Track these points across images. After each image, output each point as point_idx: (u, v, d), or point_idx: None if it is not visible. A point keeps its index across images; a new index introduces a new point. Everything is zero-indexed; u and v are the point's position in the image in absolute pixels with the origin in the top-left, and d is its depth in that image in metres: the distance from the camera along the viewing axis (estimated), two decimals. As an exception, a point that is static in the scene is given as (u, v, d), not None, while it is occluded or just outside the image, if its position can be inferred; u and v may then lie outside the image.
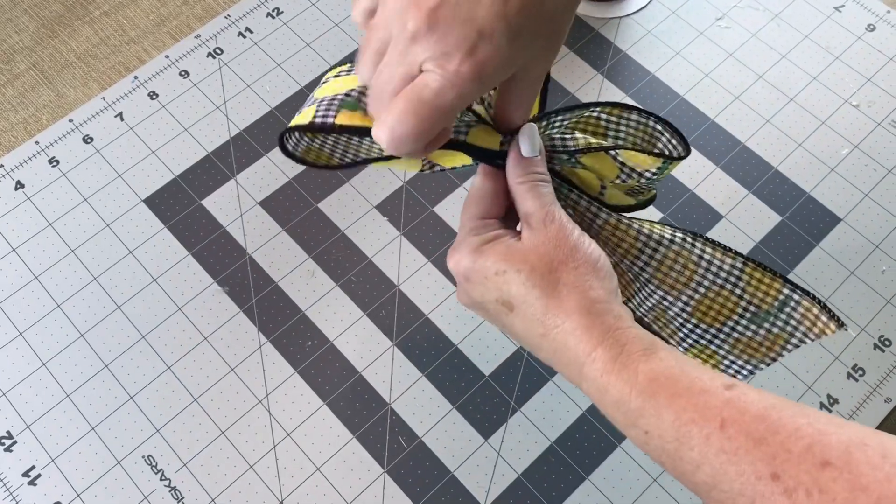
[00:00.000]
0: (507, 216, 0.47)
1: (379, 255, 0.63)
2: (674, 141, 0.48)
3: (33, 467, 0.56)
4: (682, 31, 0.72)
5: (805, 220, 0.65)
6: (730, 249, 0.49)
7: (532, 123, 0.45)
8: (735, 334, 0.49)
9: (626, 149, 0.47)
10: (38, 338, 0.60)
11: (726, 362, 0.49)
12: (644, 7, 0.73)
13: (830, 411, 0.58)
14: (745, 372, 0.50)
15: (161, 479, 0.56)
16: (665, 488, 0.56)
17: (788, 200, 0.65)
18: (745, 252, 0.63)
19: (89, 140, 0.68)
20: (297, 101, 0.69)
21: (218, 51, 0.71)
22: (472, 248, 0.44)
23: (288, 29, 0.72)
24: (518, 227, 0.47)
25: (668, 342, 0.49)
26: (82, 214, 0.65)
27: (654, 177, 0.49)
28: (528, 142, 0.44)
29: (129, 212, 0.65)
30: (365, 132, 0.42)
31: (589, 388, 0.42)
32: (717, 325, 0.48)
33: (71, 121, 0.68)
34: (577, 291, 0.42)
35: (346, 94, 0.43)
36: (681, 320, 0.49)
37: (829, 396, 0.59)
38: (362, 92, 0.43)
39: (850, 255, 0.63)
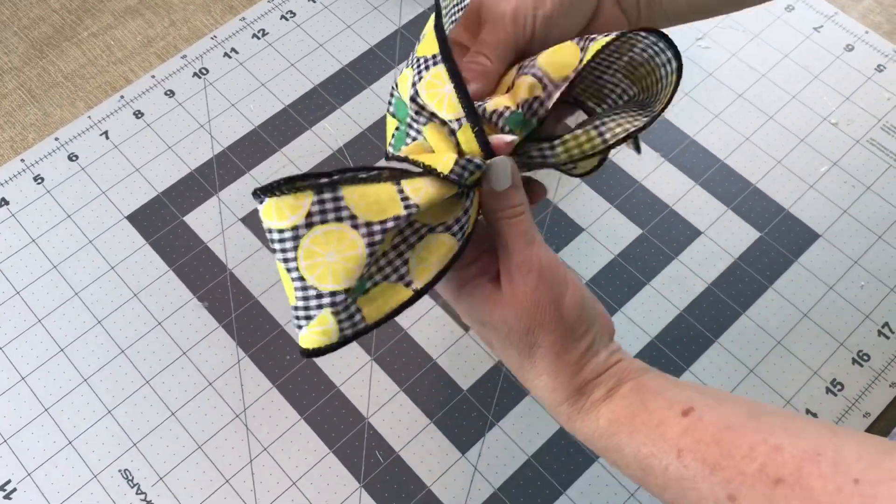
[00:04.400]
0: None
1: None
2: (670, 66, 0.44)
3: (9, 481, 0.56)
4: (662, 51, 0.73)
5: (784, 237, 0.65)
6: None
7: (503, 157, 0.42)
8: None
9: (616, 140, 0.43)
10: (18, 352, 0.60)
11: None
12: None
13: (809, 426, 0.58)
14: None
15: (137, 493, 0.56)
16: (642, 503, 0.55)
17: (767, 217, 0.66)
18: (725, 267, 0.63)
19: (74, 158, 0.68)
20: (280, 119, 0.70)
21: (203, 71, 0.72)
22: (455, 287, 0.44)
23: (273, 49, 0.73)
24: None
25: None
26: (65, 231, 0.65)
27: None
28: (499, 176, 0.42)
29: (112, 228, 0.65)
30: (404, 308, 0.40)
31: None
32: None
33: (57, 139, 0.69)
34: (550, 355, 0.43)
35: (346, 292, 0.38)
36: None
37: (808, 411, 0.58)
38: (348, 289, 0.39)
39: (829, 270, 0.64)
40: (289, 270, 0.38)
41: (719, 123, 0.70)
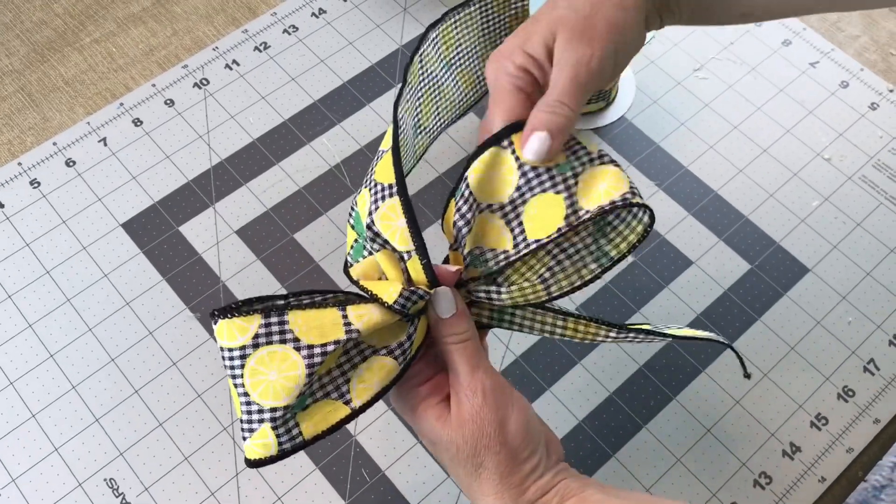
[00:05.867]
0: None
1: (351, 287, 0.63)
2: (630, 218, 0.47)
3: (-7, 487, 0.56)
4: (659, 81, 0.74)
5: (774, 269, 0.65)
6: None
7: (445, 287, 0.45)
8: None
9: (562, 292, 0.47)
10: (7, 357, 0.60)
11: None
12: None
13: (792, 459, 0.58)
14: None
15: (122, 503, 0.56)
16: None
17: (758, 249, 0.66)
18: (714, 298, 0.64)
19: (72, 163, 0.68)
20: (279, 133, 0.70)
21: (204, 81, 0.73)
22: (410, 406, 0.46)
23: (274, 63, 0.74)
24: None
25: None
26: (60, 236, 0.65)
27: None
28: (443, 305, 0.45)
29: (107, 235, 0.65)
30: (342, 424, 0.43)
31: None
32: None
33: (55, 144, 0.69)
34: (496, 476, 0.44)
35: (285, 409, 0.41)
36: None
37: (791, 445, 0.59)
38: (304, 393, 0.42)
39: (818, 305, 0.64)
40: (236, 386, 0.41)
41: (714, 154, 0.71)
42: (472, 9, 0.54)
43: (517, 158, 0.45)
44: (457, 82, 0.56)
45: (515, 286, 0.46)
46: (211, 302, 0.63)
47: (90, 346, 0.61)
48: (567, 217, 0.45)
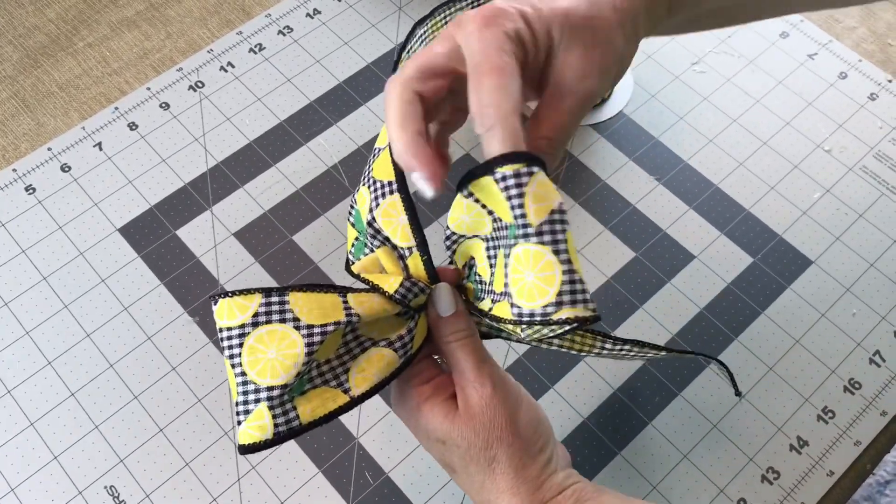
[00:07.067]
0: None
1: (354, 284, 0.63)
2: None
3: (-7, 496, 0.55)
4: (657, 75, 0.74)
5: (777, 262, 0.65)
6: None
7: (446, 284, 0.44)
8: None
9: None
10: (5, 364, 0.60)
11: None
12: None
13: (800, 454, 0.58)
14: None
15: (122, 511, 0.55)
16: None
17: (760, 242, 0.66)
18: (717, 292, 0.63)
19: (67, 169, 0.68)
20: (275, 134, 0.70)
21: (199, 84, 0.72)
22: (413, 406, 0.45)
23: (269, 64, 0.73)
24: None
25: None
26: (56, 242, 0.65)
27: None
28: (443, 301, 0.44)
29: (104, 240, 0.65)
30: (340, 412, 0.42)
31: None
32: None
33: (49, 149, 0.69)
34: (510, 470, 0.43)
35: (283, 388, 0.40)
36: None
37: (798, 439, 0.59)
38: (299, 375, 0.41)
39: (822, 297, 0.64)
40: (233, 366, 0.41)
41: (713, 148, 0.70)
42: (464, 4, 0.53)
43: (484, 206, 0.40)
44: None
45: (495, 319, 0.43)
46: (210, 305, 0.62)
47: (88, 352, 0.60)
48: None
